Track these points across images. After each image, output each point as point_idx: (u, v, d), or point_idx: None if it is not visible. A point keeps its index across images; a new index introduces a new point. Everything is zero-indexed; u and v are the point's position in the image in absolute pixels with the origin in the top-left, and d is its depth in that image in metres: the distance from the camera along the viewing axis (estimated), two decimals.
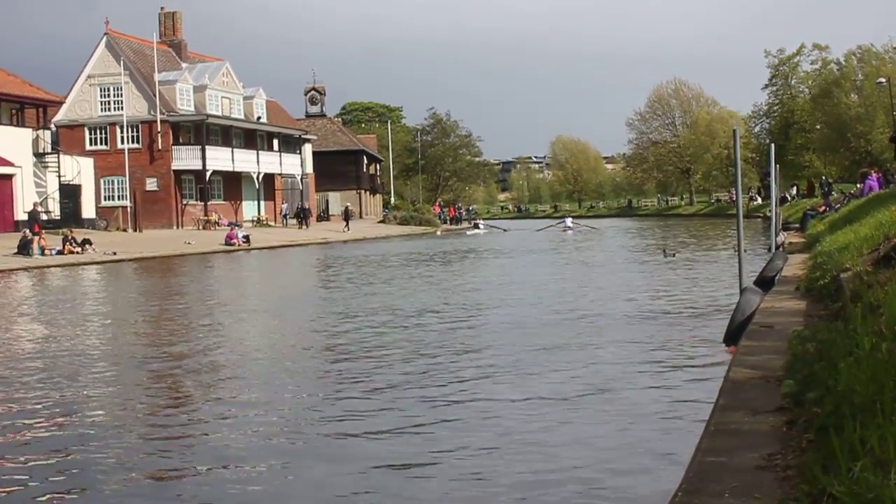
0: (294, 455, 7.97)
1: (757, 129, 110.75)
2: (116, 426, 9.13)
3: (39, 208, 42.71)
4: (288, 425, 9.08)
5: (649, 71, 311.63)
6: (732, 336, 10.71)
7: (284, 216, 65.45)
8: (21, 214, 47.19)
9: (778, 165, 24.04)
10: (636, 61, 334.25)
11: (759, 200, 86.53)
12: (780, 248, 21.11)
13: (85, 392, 10.94)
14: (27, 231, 40.63)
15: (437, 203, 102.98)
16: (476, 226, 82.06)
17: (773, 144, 22.40)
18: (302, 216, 65.47)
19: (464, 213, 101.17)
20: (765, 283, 14.11)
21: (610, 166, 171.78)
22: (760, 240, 36.41)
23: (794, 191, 78.76)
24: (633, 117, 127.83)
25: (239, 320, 17.79)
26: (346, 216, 72.98)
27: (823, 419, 4.55)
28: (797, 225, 36.37)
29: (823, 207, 37.53)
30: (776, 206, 25.65)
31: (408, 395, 10.17)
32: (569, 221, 72.85)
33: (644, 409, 9.06)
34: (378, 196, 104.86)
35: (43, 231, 40.39)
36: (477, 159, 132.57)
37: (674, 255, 32.81)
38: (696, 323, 14.91)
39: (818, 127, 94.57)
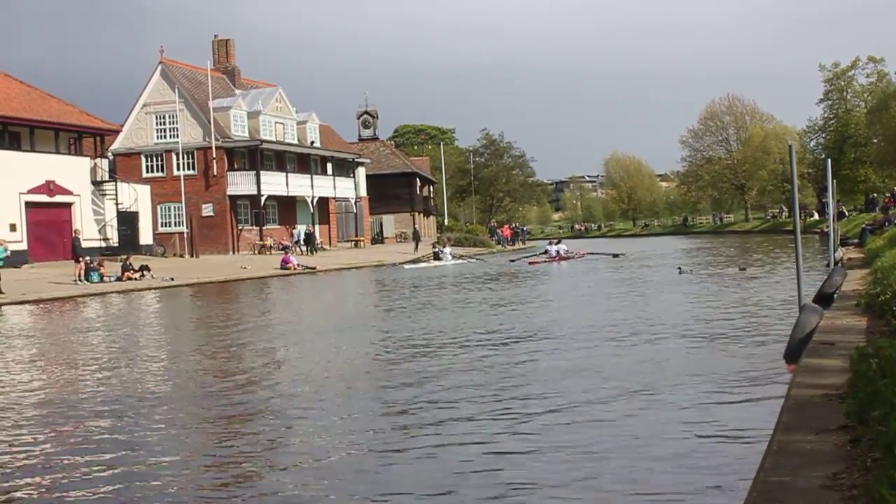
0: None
1: (812, 143, 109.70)
2: (178, 461, 9.22)
3: (81, 236, 43.07)
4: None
5: (702, 87, 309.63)
6: (792, 354, 10.60)
7: (297, 242, 64.28)
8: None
9: (835, 180, 23.82)
10: (688, 78, 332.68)
11: (816, 216, 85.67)
12: (839, 264, 20.89)
13: (147, 419, 11.04)
14: (89, 259, 41.13)
15: (507, 226, 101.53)
16: (437, 255, 58.20)
17: (828, 159, 22.17)
18: (308, 242, 63.92)
19: (519, 234, 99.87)
20: (824, 299, 13.95)
21: (664, 184, 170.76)
22: (815, 255, 36.11)
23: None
24: (686, 135, 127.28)
25: (298, 345, 17.84)
26: (416, 238, 73.28)
27: (889, 437, 4.49)
28: (856, 240, 36.00)
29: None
30: (834, 221, 25.41)
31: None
32: (557, 248, 54.50)
33: (704, 429, 9.00)
34: (432, 218, 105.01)
35: (85, 259, 40.62)
36: (530, 179, 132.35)
37: (690, 271, 34.58)
38: (754, 343, 14.78)
39: (875, 140, 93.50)
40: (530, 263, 49.33)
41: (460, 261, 56.36)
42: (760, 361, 12.61)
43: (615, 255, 53.42)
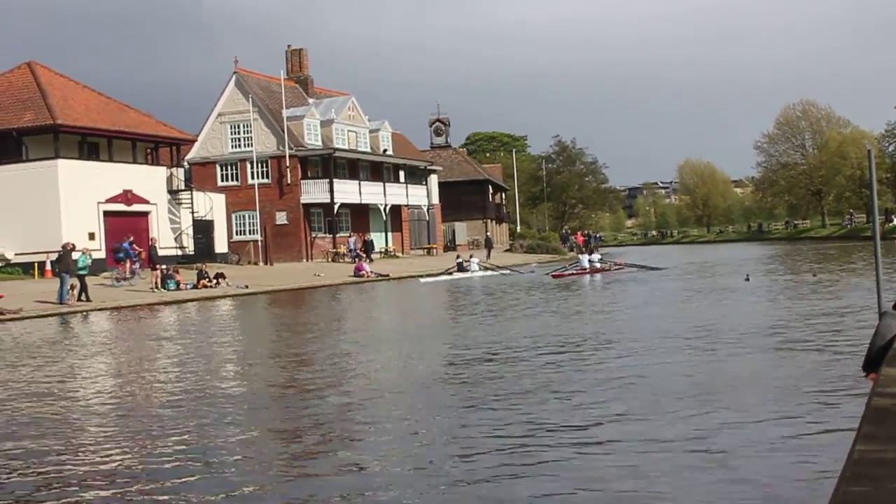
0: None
1: (891, 148, 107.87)
2: (251, 462, 9.30)
3: (158, 245, 43.96)
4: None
5: (776, 92, 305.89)
6: (872, 362, 10.41)
7: (352, 250, 63.41)
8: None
9: None
10: (762, 84, 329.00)
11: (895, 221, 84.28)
12: None
13: (222, 423, 11.16)
14: (165, 267, 41.70)
15: (580, 232, 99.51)
16: (461, 267, 51.91)
17: None
18: (367, 250, 62.71)
19: (591, 240, 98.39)
20: None
21: (739, 190, 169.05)
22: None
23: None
24: (761, 140, 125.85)
25: (373, 352, 17.89)
26: (488, 245, 73.19)
27: None
28: None
29: None
30: None
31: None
32: (589, 260, 49.24)
33: (782, 440, 8.90)
34: (504, 225, 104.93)
35: (162, 267, 41.36)
36: (603, 186, 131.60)
37: (747, 279, 34.04)
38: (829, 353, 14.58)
39: None
40: (554, 276, 44.26)
41: (490, 273, 51.64)
42: (839, 370, 12.43)
43: (657, 269, 47.00)
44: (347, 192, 66.56)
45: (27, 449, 9.99)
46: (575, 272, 46.28)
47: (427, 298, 36.23)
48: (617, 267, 49.04)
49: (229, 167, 65.92)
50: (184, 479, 8.43)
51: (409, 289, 42.53)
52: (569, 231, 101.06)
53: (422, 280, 47.86)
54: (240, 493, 7.93)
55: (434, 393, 12.57)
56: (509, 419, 10.48)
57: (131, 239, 44.13)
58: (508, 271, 52.39)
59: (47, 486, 8.46)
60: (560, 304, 28.14)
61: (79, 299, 34.63)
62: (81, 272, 35.54)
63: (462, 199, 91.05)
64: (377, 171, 72.80)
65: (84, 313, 32.42)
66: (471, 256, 55.55)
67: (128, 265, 42.27)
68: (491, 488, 7.78)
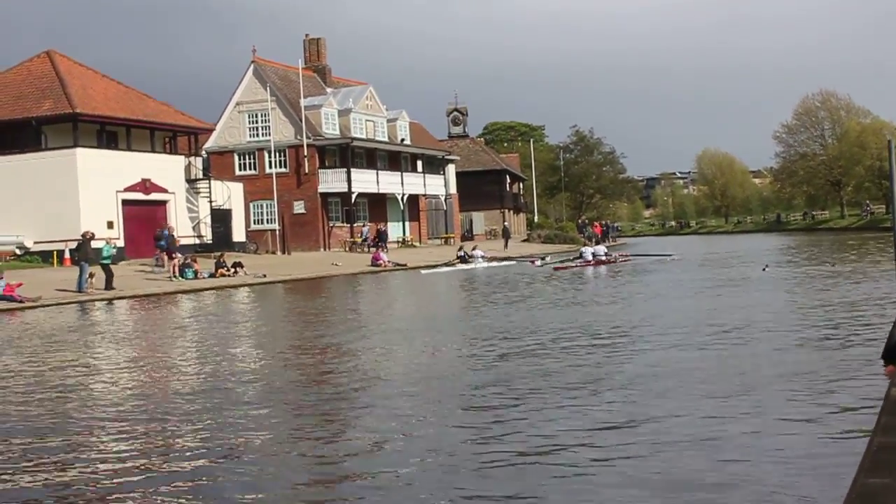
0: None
1: None
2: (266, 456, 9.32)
3: (175, 233, 44.26)
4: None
5: (796, 81, 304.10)
6: (892, 352, 10.37)
7: (365, 239, 63.10)
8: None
9: None
10: (781, 72, 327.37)
11: None
12: None
13: (239, 412, 11.18)
14: (181, 255, 41.82)
15: (598, 223, 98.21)
16: (463, 258, 51.44)
17: None
18: (381, 239, 62.36)
19: (608, 231, 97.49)
20: None
21: (757, 180, 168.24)
22: None
23: None
24: (780, 130, 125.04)
25: (391, 342, 17.90)
26: (506, 235, 73.21)
27: None
28: None
29: None
30: None
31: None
32: (593, 251, 47.69)
33: (800, 430, 8.88)
34: (522, 215, 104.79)
35: (179, 256, 41.56)
36: (621, 176, 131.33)
37: (764, 269, 34.91)
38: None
39: None
40: (555, 269, 42.99)
41: (494, 264, 50.71)
42: (858, 361, 12.38)
43: (666, 256, 48.19)
44: (365, 181, 66.56)
45: (38, 444, 10.00)
46: (578, 264, 44.94)
47: (441, 288, 36.21)
48: (623, 258, 48.89)
49: (247, 156, 66.01)
50: (199, 481, 8.43)
51: (425, 279, 42.49)
52: (586, 221, 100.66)
53: (422, 272, 46.38)
54: (247, 493, 7.93)
55: (452, 386, 12.55)
56: (522, 414, 10.49)
57: (170, 226, 44.48)
58: (516, 262, 52.24)
59: (59, 483, 8.48)
60: (569, 296, 28.09)
61: (105, 288, 34.82)
62: (105, 261, 35.74)
63: (480, 188, 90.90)
64: (395, 160, 72.83)
65: (103, 302, 32.57)
66: (474, 248, 54.29)
67: (166, 253, 42.65)
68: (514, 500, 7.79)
